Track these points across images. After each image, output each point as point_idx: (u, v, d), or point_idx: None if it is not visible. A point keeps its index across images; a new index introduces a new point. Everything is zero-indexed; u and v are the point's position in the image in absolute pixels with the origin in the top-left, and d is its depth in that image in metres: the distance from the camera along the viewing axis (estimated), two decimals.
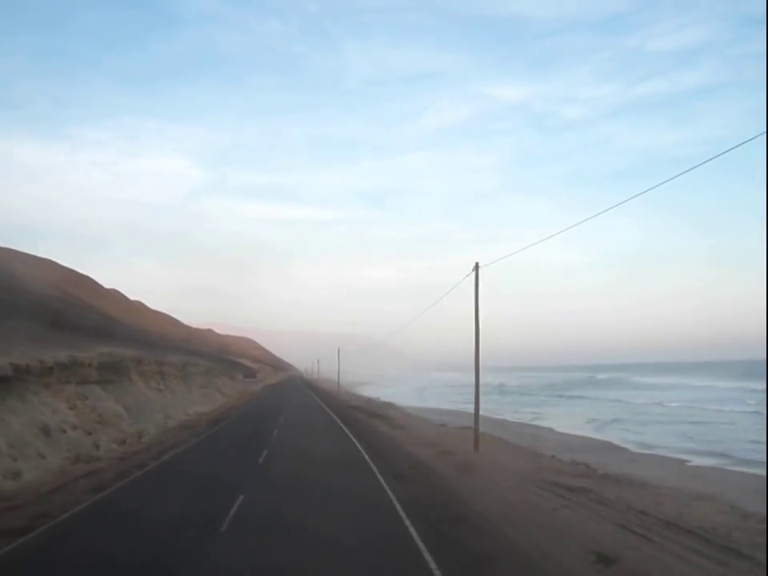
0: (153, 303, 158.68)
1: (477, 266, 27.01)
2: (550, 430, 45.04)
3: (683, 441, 38.57)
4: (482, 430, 45.57)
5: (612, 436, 40.93)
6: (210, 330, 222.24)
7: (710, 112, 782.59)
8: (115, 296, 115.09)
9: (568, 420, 53.92)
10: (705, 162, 14.69)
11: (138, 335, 74.10)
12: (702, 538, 12.22)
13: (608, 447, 34.58)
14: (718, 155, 13.70)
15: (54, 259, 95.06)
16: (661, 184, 16.40)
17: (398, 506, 14.87)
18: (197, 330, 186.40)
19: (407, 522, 13.26)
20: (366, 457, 23.87)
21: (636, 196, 18.45)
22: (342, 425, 38.64)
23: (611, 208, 21.22)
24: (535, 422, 51.72)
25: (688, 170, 15.44)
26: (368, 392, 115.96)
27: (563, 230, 26.25)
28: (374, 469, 20.84)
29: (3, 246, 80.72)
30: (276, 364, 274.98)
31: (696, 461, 30.21)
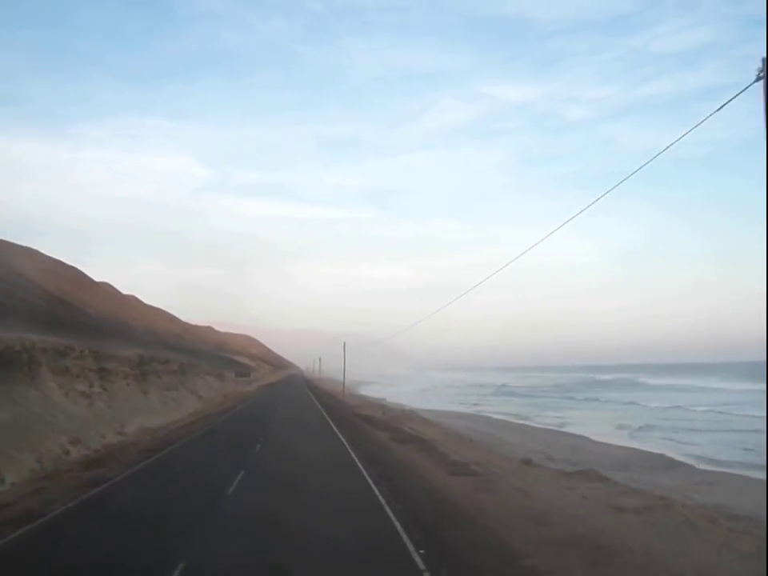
0: (150, 299, 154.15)
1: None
2: (585, 438, 40.78)
3: (742, 453, 34.40)
4: (508, 438, 41.73)
5: (659, 447, 36.76)
6: (209, 328, 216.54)
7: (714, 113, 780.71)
8: (107, 289, 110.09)
9: (596, 426, 49.80)
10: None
11: (121, 329, 69.46)
12: None
13: (667, 463, 30.27)
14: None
15: (48, 254, 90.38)
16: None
17: None
18: (194, 326, 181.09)
19: None
20: None
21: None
22: (362, 467, 21.31)
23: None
24: (563, 429, 47.53)
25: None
26: (372, 392, 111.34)
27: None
28: None
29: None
30: (276, 362, 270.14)
31: None
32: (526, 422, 51.67)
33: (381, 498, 15.96)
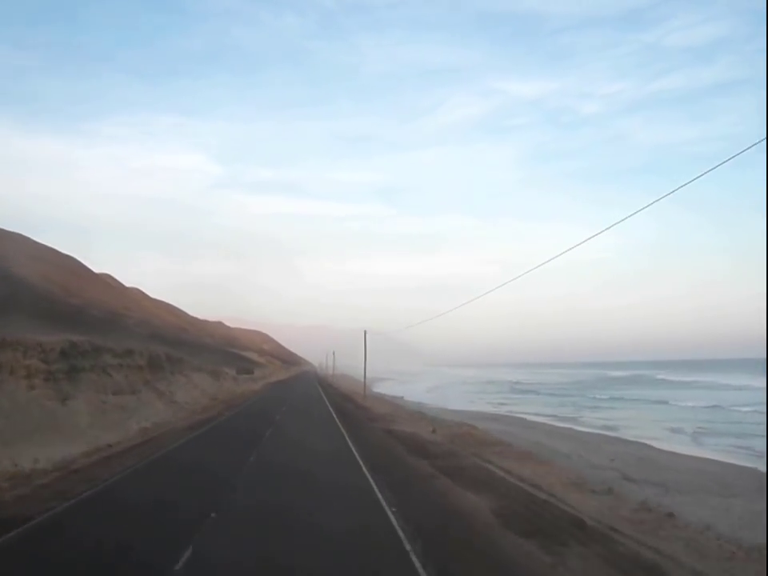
0: (158, 294, 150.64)
1: None
2: (647, 446, 35.73)
3: None
4: (558, 446, 36.74)
5: (740, 458, 31.82)
6: (219, 323, 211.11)
7: (726, 108, 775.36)
8: (105, 281, 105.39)
9: (645, 430, 44.86)
10: None
11: (107, 318, 64.74)
12: None
13: None
14: None
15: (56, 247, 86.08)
16: None
17: None
18: (202, 321, 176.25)
19: None
20: None
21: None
22: None
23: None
24: (613, 434, 42.56)
25: None
26: (388, 389, 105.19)
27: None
28: None
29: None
30: (288, 358, 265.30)
31: None
32: (570, 425, 46.76)
33: None
